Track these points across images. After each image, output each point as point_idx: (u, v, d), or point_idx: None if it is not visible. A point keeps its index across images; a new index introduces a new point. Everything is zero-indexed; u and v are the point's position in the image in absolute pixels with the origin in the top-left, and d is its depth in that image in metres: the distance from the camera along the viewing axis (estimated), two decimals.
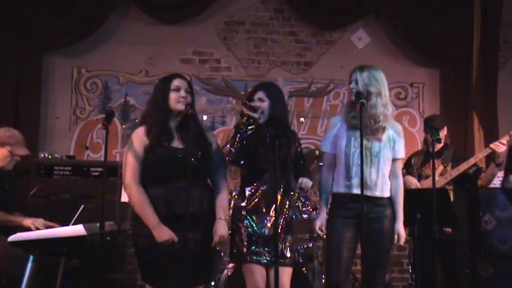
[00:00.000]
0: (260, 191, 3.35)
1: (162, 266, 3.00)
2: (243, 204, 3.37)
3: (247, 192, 3.38)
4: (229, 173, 4.51)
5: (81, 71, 5.60)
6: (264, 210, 3.33)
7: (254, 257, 3.27)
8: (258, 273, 3.27)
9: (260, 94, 3.43)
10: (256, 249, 3.28)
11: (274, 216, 3.24)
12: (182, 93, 3.10)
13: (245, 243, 3.29)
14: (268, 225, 3.29)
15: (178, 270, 2.96)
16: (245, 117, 3.32)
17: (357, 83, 3.26)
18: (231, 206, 4.35)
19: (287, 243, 3.35)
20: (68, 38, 5.46)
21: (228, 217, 3.33)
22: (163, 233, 2.94)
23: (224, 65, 5.74)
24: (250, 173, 3.41)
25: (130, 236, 3.16)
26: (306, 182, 3.48)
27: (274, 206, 3.26)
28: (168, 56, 5.66)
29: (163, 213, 2.99)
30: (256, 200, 3.35)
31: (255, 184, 3.36)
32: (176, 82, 3.13)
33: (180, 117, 3.11)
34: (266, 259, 3.27)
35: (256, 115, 3.33)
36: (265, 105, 3.39)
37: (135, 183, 3.02)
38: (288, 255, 3.34)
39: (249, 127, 3.30)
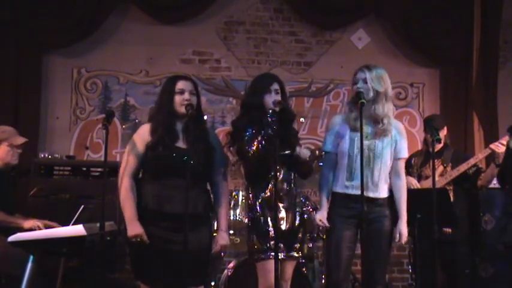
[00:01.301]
0: (271, 187, 3.27)
1: (153, 264, 3.00)
2: (257, 201, 3.33)
3: (259, 190, 3.34)
4: (230, 173, 4.50)
5: (81, 71, 5.59)
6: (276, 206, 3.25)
7: (269, 254, 3.22)
8: (272, 271, 3.17)
9: (277, 86, 3.33)
10: (271, 246, 3.22)
11: (285, 211, 3.25)
12: (186, 95, 3.10)
13: (260, 241, 3.26)
14: (282, 221, 3.26)
15: (169, 270, 2.96)
16: (271, 113, 3.18)
17: (365, 82, 3.22)
18: (231, 206, 4.38)
19: (299, 236, 3.36)
20: (68, 38, 5.46)
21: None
22: (133, 228, 2.96)
23: (224, 65, 5.74)
24: (260, 170, 3.32)
25: (123, 232, 3.15)
26: (304, 152, 3.37)
27: (285, 201, 3.27)
28: (168, 56, 5.65)
29: (151, 209, 3.00)
30: (268, 196, 3.29)
31: (266, 181, 3.30)
32: (180, 85, 3.13)
33: (186, 119, 3.11)
34: (282, 255, 3.21)
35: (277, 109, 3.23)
36: (279, 98, 3.30)
37: (128, 175, 3.06)
38: (300, 248, 3.37)
39: (274, 122, 3.16)
